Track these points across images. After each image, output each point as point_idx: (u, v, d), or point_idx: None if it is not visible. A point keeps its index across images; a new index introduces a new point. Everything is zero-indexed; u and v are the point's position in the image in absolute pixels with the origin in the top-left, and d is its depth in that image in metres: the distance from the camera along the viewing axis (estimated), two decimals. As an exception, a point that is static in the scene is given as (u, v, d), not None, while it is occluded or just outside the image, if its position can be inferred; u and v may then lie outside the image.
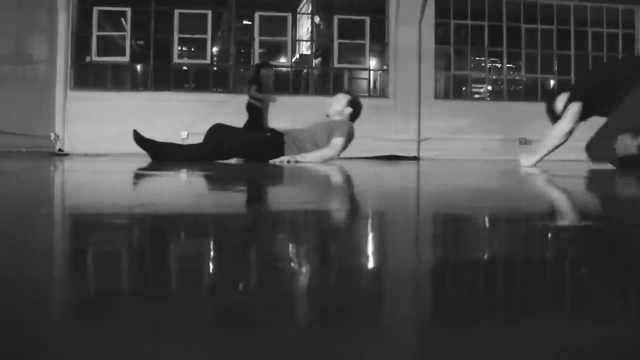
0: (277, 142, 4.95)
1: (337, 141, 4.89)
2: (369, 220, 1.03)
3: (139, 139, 4.95)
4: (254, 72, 8.61)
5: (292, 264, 0.59)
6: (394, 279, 0.53)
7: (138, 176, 2.65)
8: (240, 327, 0.36)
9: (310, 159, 4.82)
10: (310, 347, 0.33)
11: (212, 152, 4.88)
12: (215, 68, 9.43)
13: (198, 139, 6.11)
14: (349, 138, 4.93)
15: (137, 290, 0.49)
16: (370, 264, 0.60)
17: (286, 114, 8.61)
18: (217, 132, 4.99)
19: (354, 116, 5.12)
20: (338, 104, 5.10)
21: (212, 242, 0.76)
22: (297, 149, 4.92)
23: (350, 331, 0.36)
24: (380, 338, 0.34)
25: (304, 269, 0.57)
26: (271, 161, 4.77)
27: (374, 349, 0.32)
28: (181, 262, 0.62)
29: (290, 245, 0.74)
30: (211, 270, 0.58)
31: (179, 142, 7.33)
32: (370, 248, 0.72)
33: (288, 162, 4.72)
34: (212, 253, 0.68)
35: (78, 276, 0.54)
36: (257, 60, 9.34)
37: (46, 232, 0.84)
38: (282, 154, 4.89)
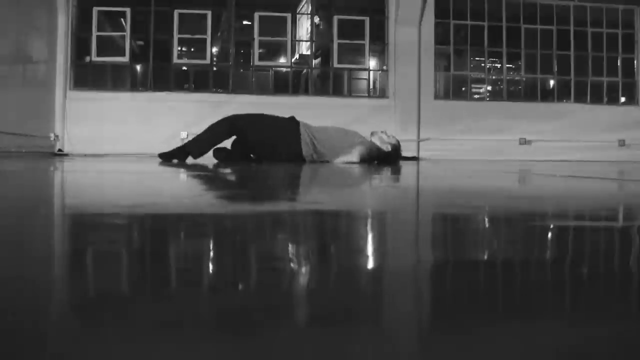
0: (293, 129, 5.08)
1: (357, 151, 5.04)
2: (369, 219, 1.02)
3: (220, 158, 5.01)
4: None
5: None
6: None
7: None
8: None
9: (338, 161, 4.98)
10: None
11: (238, 149, 5.02)
12: (215, 68, 9.42)
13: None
14: (361, 160, 5.02)
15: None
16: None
17: (286, 114, 8.58)
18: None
19: (385, 156, 5.19)
20: (387, 137, 5.23)
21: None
22: (312, 145, 5.03)
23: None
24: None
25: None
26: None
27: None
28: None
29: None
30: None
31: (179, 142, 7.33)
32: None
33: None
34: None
35: (78, 276, 0.54)
36: (257, 61, 9.31)
37: (46, 232, 0.84)
38: (298, 142, 4.99)
